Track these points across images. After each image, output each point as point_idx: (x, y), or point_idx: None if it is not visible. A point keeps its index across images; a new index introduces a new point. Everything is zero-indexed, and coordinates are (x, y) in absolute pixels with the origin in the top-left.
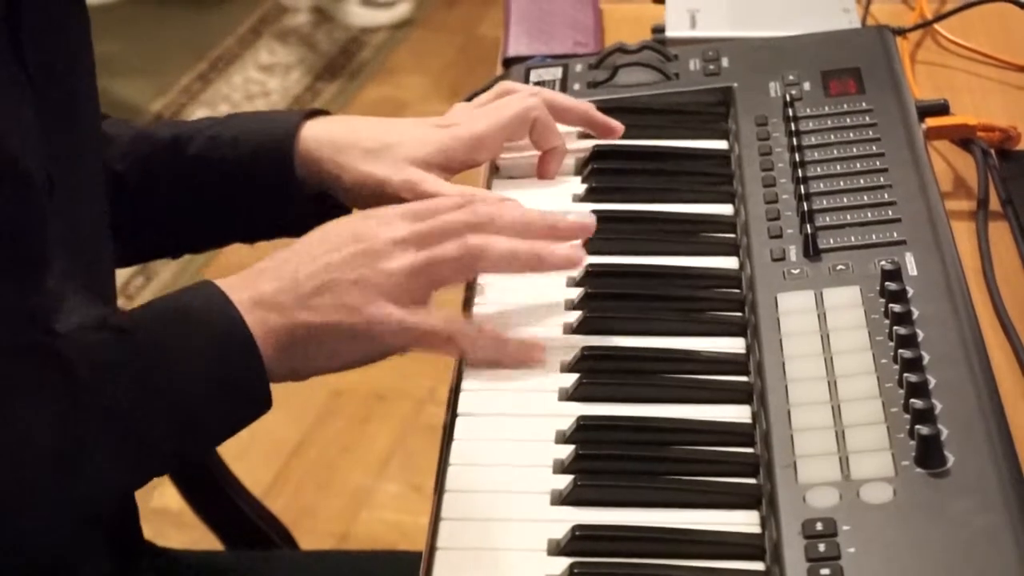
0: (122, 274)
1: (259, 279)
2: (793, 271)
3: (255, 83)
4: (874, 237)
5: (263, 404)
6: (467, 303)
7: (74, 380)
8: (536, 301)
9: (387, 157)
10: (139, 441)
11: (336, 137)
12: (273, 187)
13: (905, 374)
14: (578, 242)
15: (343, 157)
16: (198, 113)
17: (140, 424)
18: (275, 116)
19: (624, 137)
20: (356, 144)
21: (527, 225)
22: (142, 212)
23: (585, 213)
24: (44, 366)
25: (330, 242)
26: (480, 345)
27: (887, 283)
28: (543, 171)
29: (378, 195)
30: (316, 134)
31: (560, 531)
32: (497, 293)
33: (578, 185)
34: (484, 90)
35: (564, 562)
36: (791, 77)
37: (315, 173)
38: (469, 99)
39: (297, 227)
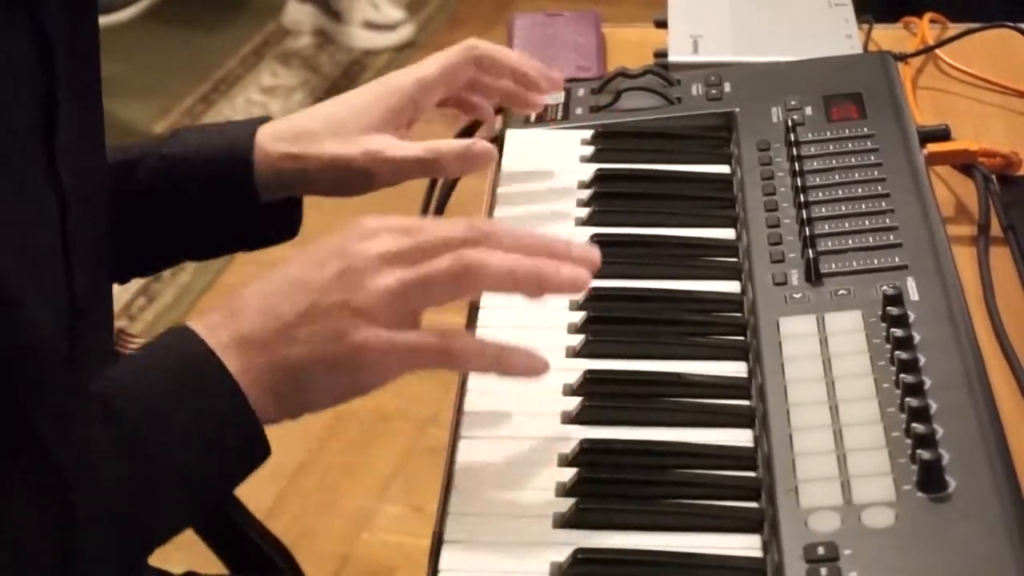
0: (124, 295)
1: (241, 314)
2: (795, 295)
3: (257, 105)
4: (876, 262)
5: (261, 453)
6: (469, 326)
7: (64, 477)
8: (539, 324)
9: (342, 133)
10: (140, 521)
11: (293, 128)
12: (231, 198)
13: (907, 399)
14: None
15: (301, 146)
16: None
17: (139, 505)
18: (228, 126)
19: (626, 161)
20: (310, 129)
21: (525, 246)
22: None
23: (589, 246)
24: (32, 470)
25: (312, 261)
26: (479, 357)
27: (889, 308)
28: (525, 104)
29: (346, 175)
30: (272, 131)
31: (563, 554)
32: (499, 316)
33: (580, 209)
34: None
35: None
36: (793, 102)
37: (276, 172)
38: (469, 124)
39: (258, 240)
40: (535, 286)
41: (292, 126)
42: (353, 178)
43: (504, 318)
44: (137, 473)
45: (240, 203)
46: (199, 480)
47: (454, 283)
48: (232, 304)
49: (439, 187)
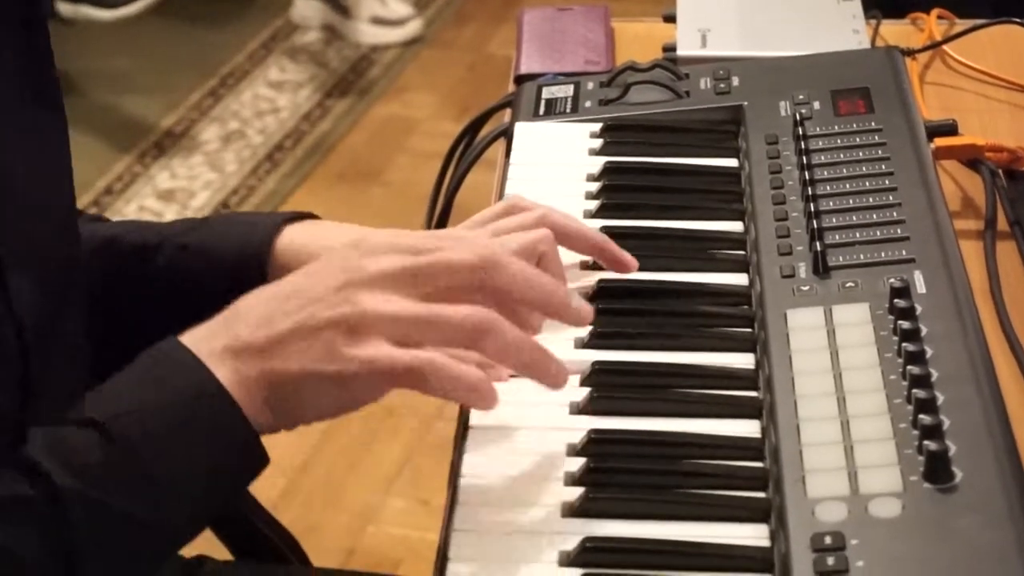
0: None
1: (237, 321)
2: (803, 288)
3: (265, 100)
4: (883, 255)
5: (260, 463)
6: None
7: (55, 490)
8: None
9: None
10: (141, 537)
11: (315, 250)
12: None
13: (913, 390)
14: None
15: None
16: (209, 129)
17: (139, 521)
18: (252, 222)
19: (635, 154)
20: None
21: (532, 284)
22: (108, 328)
23: (587, 310)
24: (18, 482)
25: (315, 272)
26: (475, 378)
27: (896, 300)
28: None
29: None
30: (293, 243)
31: (571, 543)
32: None
33: (589, 201)
34: (494, 109)
35: (575, 573)
36: (801, 96)
37: None
38: (477, 118)
39: None
40: (533, 374)
41: (322, 243)
42: None
43: None
44: (136, 491)
45: None
46: (200, 494)
47: (463, 335)
48: (229, 312)
49: (447, 182)
